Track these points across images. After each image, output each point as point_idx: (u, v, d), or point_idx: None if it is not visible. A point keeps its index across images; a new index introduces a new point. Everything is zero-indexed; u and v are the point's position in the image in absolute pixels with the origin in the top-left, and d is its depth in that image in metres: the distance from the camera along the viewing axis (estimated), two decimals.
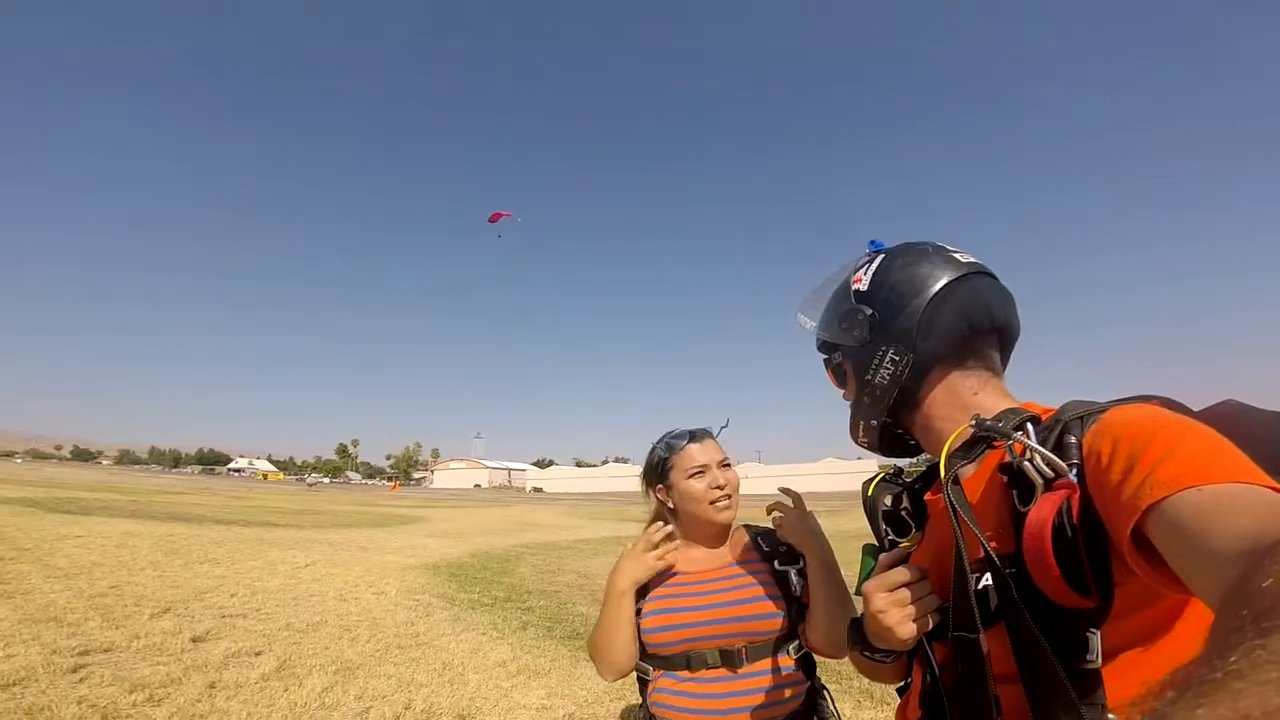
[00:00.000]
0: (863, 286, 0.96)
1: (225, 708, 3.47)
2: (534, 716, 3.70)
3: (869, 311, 0.93)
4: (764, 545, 1.43)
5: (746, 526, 1.51)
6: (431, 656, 4.74)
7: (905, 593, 0.81)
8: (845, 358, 0.99)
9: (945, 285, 0.89)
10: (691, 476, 1.42)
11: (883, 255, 0.97)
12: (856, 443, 1.03)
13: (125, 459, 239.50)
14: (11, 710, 3.18)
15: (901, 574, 0.83)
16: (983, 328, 0.90)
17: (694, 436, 1.47)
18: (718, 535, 1.46)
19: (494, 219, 38.26)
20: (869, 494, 1.01)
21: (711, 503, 1.41)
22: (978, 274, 0.92)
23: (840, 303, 0.99)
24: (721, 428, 1.53)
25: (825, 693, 1.40)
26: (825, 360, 1.06)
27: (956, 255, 0.93)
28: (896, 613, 0.81)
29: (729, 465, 1.46)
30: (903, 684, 1.00)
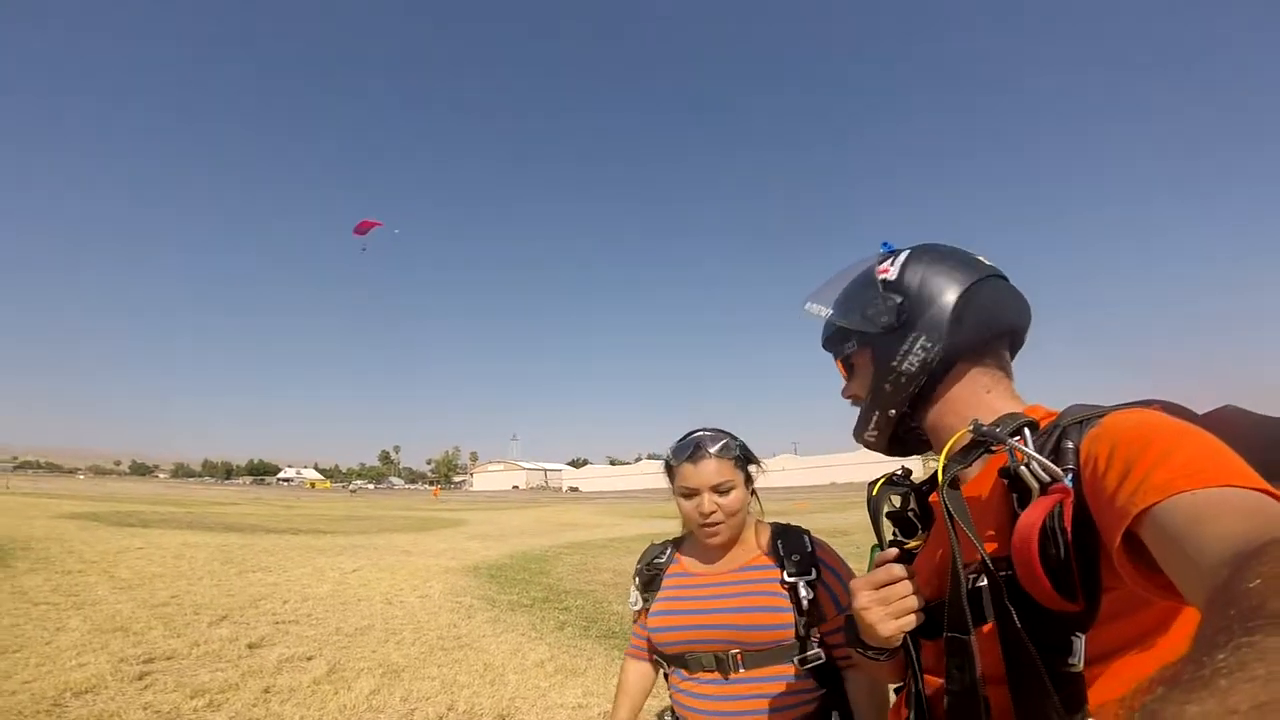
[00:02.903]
0: (890, 276, 0.94)
1: (280, 711, 3.66)
2: (571, 715, 3.80)
3: (899, 299, 0.92)
4: (781, 550, 1.37)
5: (772, 525, 1.46)
6: (473, 658, 4.89)
7: (889, 591, 0.82)
8: (865, 345, 0.97)
9: (976, 282, 0.90)
10: (683, 495, 1.40)
11: (909, 250, 0.97)
12: (862, 437, 1.01)
13: (180, 472, 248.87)
14: (84, 717, 3.43)
15: (886, 573, 0.83)
16: (1003, 329, 0.91)
17: (692, 455, 1.38)
18: (716, 551, 1.44)
19: (362, 228, 32.32)
20: (873, 494, 0.99)
21: (699, 526, 1.39)
22: (998, 277, 0.93)
23: (865, 291, 0.97)
24: (725, 441, 1.41)
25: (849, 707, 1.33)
26: (835, 352, 1.04)
27: (979, 258, 0.95)
28: (878, 610, 0.82)
29: (728, 490, 1.37)
30: (900, 684, 1.00)
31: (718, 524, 1.37)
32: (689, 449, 1.39)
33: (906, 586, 0.82)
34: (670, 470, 1.44)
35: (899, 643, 0.85)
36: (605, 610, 6.80)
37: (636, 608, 1.51)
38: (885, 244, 1.02)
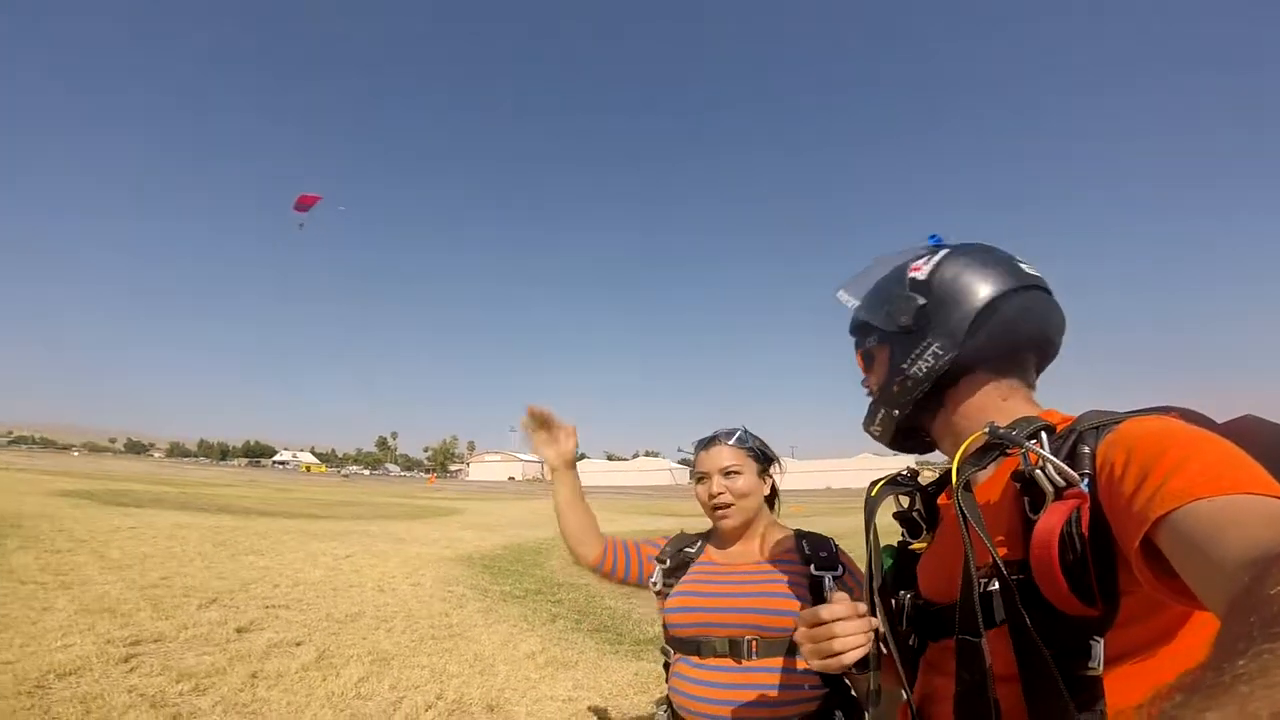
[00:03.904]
0: (921, 275, 0.93)
1: (266, 697, 3.61)
2: (561, 708, 3.77)
3: (921, 301, 0.91)
4: (806, 549, 1.43)
5: (797, 531, 1.50)
6: (464, 648, 4.86)
7: (816, 631, 0.84)
8: (882, 343, 0.97)
9: (1006, 292, 0.88)
10: (699, 482, 1.48)
11: (949, 249, 0.95)
12: (868, 430, 1.02)
13: (175, 451, 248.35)
14: (67, 699, 3.35)
15: (812, 614, 0.85)
16: (1032, 342, 0.90)
17: (707, 445, 1.50)
18: (734, 535, 1.49)
19: (304, 203, 28.73)
20: (871, 495, 0.99)
21: (711, 511, 1.45)
22: (1038, 289, 0.90)
23: (892, 287, 0.96)
24: (739, 432, 1.52)
25: (855, 706, 1.35)
26: (858, 342, 1.04)
27: (1023, 266, 0.91)
28: (807, 646, 0.85)
29: (736, 473, 1.45)
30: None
31: (727, 505, 1.43)
32: (706, 439, 1.52)
33: (829, 630, 0.83)
34: (692, 468, 1.52)
35: (831, 672, 0.88)
36: (598, 604, 6.78)
37: (657, 589, 1.54)
38: (933, 236, 1.00)
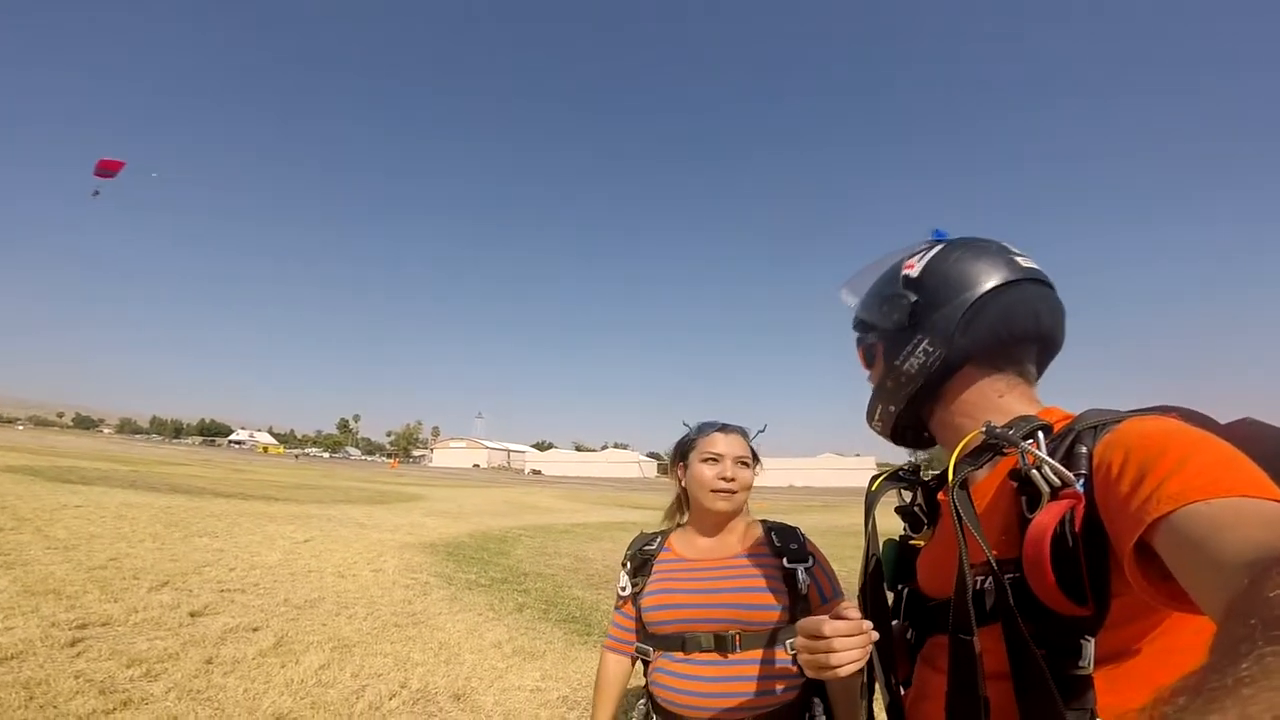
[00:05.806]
0: (913, 273, 0.94)
1: (222, 683, 3.49)
2: (529, 698, 3.73)
3: (913, 298, 0.92)
4: (776, 541, 1.46)
5: (763, 521, 1.54)
6: (428, 636, 4.78)
7: (812, 644, 0.84)
8: (879, 339, 0.98)
9: (996, 286, 0.87)
10: (705, 461, 1.47)
11: (941, 245, 0.95)
12: (870, 424, 1.03)
13: (126, 428, 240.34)
14: (9, 684, 3.19)
15: (814, 625, 0.84)
16: (1025, 335, 0.89)
17: (724, 428, 1.53)
18: (716, 525, 1.50)
19: (105, 168, 25.01)
20: (872, 489, 1.01)
21: (713, 490, 1.45)
22: (1033, 280, 0.89)
23: (886, 285, 0.98)
24: (758, 431, 1.59)
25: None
26: (859, 339, 1.06)
27: (1017, 258, 0.91)
28: (804, 656, 0.85)
29: (746, 465, 1.50)
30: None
31: (733, 491, 1.46)
32: (720, 423, 1.55)
33: (829, 645, 0.83)
34: (686, 446, 1.54)
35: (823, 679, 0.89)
36: (565, 594, 6.74)
37: (626, 593, 1.53)
38: (936, 231, 1.00)
